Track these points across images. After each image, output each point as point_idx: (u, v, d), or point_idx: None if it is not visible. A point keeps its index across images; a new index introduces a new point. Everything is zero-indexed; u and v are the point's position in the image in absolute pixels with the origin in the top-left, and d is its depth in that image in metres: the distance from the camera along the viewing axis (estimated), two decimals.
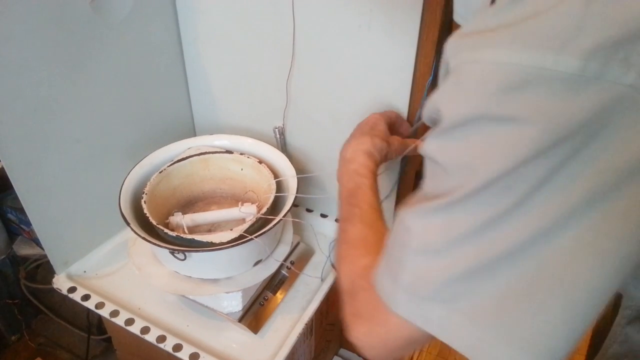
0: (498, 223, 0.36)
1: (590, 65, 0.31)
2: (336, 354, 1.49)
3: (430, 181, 0.42)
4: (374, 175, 0.71)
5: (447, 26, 0.83)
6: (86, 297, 0.98)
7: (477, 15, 0.38)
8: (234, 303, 0.93)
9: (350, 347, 1.50)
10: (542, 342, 0.37)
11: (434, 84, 0.87)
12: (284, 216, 0.87)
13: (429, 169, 0.42)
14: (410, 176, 1.02)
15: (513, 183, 0.35)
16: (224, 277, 0.90)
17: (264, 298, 0.98)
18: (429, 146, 0.41)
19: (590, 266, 0.35)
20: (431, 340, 0.46)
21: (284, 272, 1.02)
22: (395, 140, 0.81)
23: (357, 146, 0.74)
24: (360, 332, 0.49)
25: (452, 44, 0.39)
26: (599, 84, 0.31)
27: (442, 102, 0.39)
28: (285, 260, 0.99)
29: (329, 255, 1.03)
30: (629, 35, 0.31)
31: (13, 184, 0.86)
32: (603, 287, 0.36)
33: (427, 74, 0.86)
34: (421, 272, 0.41)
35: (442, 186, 0.39)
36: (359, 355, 1.48)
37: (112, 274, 1.04)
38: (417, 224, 0.41)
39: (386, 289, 0.46)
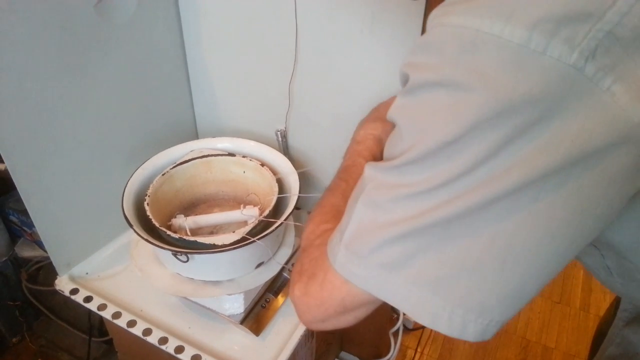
0: (438, 190, 0.37)
1: (535, 37, 0.32)
2: (337, 357, 1.49)
3: (390, 141, 0.43)
4: (375, 160, 0.71)
5: None
6: (88, 299, 0.98)
7: None
8: (236, 305, 0.93)
9: (351, 350, 1.50)
10: (476, 302, 0.38)
11: None
12: (286, 219, 0.87)
13: (394, 130, 0.43)
14: None
15: (458, 151, 0.35)
16: (226, 279, 0.91)
17: (266, 300, 0.98)
18: (392, 106, 0.42)
19: (522, 244, 0.36)
20: (366, 313, 0.47)
21: (285, 274, 1.02)
22: None
23: (368, 129, 0.74)
24: (298, 289, 0.49)
25: (430, 16, 0.41)
26: (544, 59, 0.32)
27: (406, 64, 0.41)
28: (287, 262, 1.00)
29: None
30: (575, 14, 0.31)
31: (17, 185, 0.86)
32: (539, 264, 0.37)
33: None
34: (363, 226, 0.42)
35: (398, 147, 0.40)
36: (360, 358, 1.48)
37: (114, 276, 1.04)
38: (371, 179, 0.42)
39: (333, 243, 0.46)
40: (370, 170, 0.43)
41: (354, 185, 0.63)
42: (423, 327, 1.72)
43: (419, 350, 1.67)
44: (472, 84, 0.34)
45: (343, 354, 1.50)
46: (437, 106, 0.36)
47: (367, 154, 0.70)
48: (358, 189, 0.45)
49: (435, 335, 1.73)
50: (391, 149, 0.42)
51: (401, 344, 1.58)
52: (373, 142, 0.72)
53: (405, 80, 0.41)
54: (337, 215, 0.56)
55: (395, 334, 1.42)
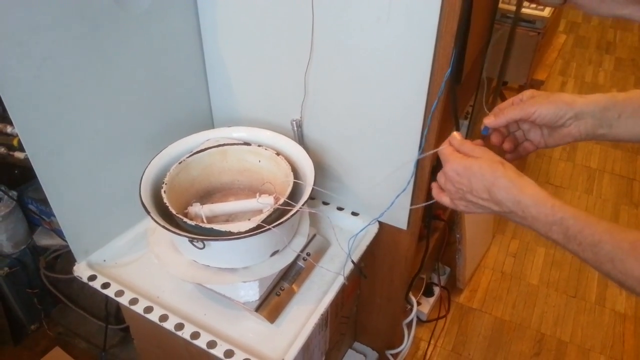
0: None
1: None
2: (350, 347, 1.50)
3: None
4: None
5: (466, 18, 0.83)
6: (106, 285, 0.99)
7: None
8: (251, 292, 0.94)
9: (365, 341, 1.50)
10: None
11: (452, 77, 0.88)
12: (301, 207, 0.88)
13: None
14: (426, 170, 1.02)
15: None
16: (242, 267, 0.91)
17: (281, 288, 0.99)
18: None
19: None
20: None
21: (300, 263, 1.03)
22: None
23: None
24: None
25: None
26: None
27: None
28: (301, 251, 1.00)
29: (349, 253, 1.04)
30: None
31: (36, 173, 0.88)
32: None
33: (446, 67, 0.86)
34: None
35: None
36: (373, 349, 1.49)
37: (131, 263, 1.05)
38: None
39: None
40: None
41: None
42: (437, 319, 1.72)
43: (432, 342, 1.67)
44: None
45: (356, 345, 1.51)
46: None
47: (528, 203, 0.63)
48: None
49: (448, 328, 1.72)
50: None
51: (414, 336, 1.58)
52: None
53: None
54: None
55: (409, 325, 1.42)
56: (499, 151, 0.72)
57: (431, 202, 0.81)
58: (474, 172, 0.66)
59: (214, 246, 0.86)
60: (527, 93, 0.74)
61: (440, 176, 0.74)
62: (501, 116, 0.72)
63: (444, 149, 0.72)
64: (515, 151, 0.78)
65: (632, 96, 0.69)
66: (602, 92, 0.70)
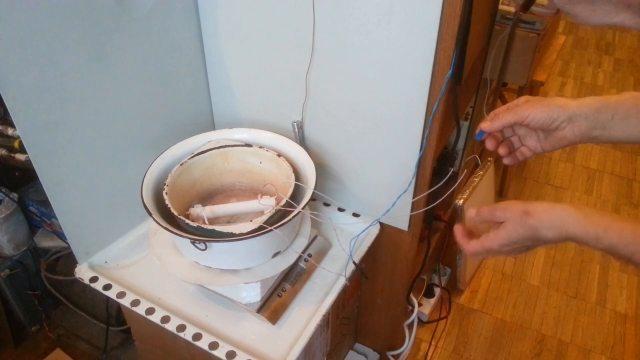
0: None
1: None
2: (351, 348, 1.50)
3: None
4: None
5: (467, 20, 0.83)
6: (107, 287, 0.99)
7: None
8: (253, 294, 0.94)
9: (366, 342, 1.51)
10: None
11: (453, 78, 0.88)
12: (302, 208, 0.88)
13: None
14: (426, 171, 1.02)
15: None
16: (243, 268, 0.92)
17: (282, 290, 0.99)
18: None
19: None
20: None
21: (301, 264, 1.03)
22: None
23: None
24: None
25: None
26: None
27: None
28: (303, 252, 1.00)
29: (351, 254, 1.04)
30: None
31: (38, 175, 0.88)
32: None
33: (447, 68, 0.87)
34: None
35: None
36: (374, 350, 1.49)
37: (132, 265, 1.05)
38: None
39: None
40: None
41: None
42: (438, 320, 1.72)
43: (433, 343, 1.67)
44: None
45: (357, 346, 1.51)
46: None
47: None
48: None
49: (449, 329, 1.73)
50: None
51: (415, 337, 1.58)
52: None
53: None
54: None
55: (410, 326, 1.42)
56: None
57: (432, 205, 0.82)
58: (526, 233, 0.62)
59: (216, 247, 0.86)
60: (522, 99, 0.76)
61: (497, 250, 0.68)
62: (497, 120, 0.74)
63: (486, 243, 0.66)
64: (512, 156, 0.79)
65: (623, 98, 0.70)
66: (601, 93, 0.71)
